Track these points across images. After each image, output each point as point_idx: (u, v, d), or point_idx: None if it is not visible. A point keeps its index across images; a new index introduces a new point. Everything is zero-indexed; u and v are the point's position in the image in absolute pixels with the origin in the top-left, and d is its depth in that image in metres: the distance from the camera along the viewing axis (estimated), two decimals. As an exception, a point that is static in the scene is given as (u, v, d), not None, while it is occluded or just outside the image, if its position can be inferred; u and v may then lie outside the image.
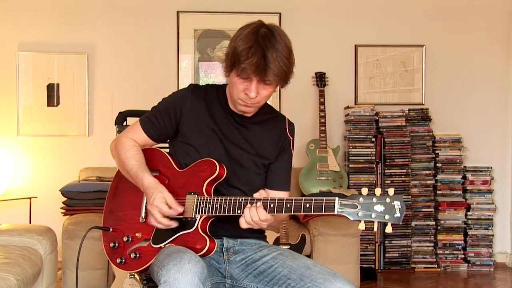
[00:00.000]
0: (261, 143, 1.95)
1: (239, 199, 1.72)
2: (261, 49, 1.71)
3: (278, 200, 1.66)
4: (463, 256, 4.47)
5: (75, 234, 3.44)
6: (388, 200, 1.50)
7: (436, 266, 4.43)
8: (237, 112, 1.93)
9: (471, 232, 4.48)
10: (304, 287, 1.66)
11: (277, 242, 3.45)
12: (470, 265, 4.45)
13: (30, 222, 4.13)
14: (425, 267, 4.43)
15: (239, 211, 1.71)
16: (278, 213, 1.66)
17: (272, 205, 1.66)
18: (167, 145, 2.07)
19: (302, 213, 1.62)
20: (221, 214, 1.74)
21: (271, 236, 3.44)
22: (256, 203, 1.68)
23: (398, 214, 1.49)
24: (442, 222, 4.46)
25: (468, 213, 4.48)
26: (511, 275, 4.38)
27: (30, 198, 4.19)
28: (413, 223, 4.42)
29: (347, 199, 1.54)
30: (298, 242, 3.52)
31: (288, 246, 3.42)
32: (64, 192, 3.73)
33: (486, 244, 4.47)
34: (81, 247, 1.93)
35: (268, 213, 1.67)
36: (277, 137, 1.98)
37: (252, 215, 1.67)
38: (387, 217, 1.50)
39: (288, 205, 1.64)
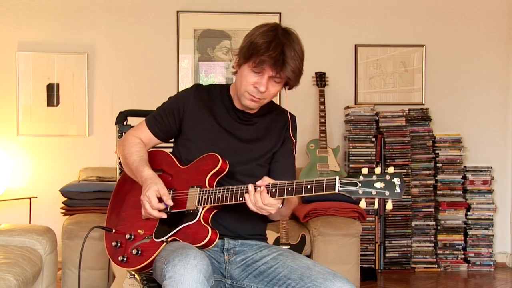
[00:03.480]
0: (264, 137, 1.98)
1: (241, 187, 1.73)
2: (281, 45, 1.76)
3: (279, 184, 1.67)
4: (463, 256, 4.47)
5: (75, 234, 3.44)
6: (388, 177, 1.52)
7: (436, 266, 4.43)
8: (240, 109, 1.96)
9: (471, 232, 4.48)
10: (304, 287, 1.66)
11: (277, 242, 3.45)
12: (470, 265, 4.45)
13: (30, 222, 4.13)
14: (425, 267, 4.43)
15: (241, 199, 1.72)
16: (280, 196, 1.66)
17: (274, 190, 1.67)
18: (170, 145, 2.09)
19: (303, 194, 1.63)
20: (224, 203, 1.75)
21: (271, 236, 3.44)
22: (257, 189, 1.69)
23: (398, 190, 1.50)
24: (442, 222, 4.46)
25: (468, 213, 4.48)
26: (511, 275, 4.38)
27: (30, 198, 4.19)
28: (413, 223, 4.42)
29: (348, 178, 1.56)
30: (298, 242, 3.51)
31: (288, 246, 3.42)
32: (64, 192, 3.73)
33: (486, 244, 4.47)
34: (82, 254, 1.93)
35: (271, 197, 1.67)
36: (280, 129, 2.01)
37: (256, 200, 1.68)
38: (387, 193, 1.51)
39: (290, 188, 1.64)
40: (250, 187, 1.70)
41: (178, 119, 1.96)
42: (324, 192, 1.59)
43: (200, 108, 1.96)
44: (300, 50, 1.82)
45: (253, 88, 1.83)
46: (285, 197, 1.66)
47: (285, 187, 1.65)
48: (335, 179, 1.56)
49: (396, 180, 1.51)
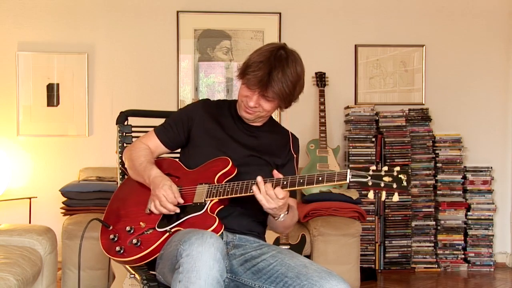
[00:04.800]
0: (269, 148, 2.04)
1: (251, 181, 1.78)
2: (269, 66, 1.84)
3: (291, 177, 1.73)
4: (463, 256, 4.48)
5: (75, 234, 3.45)
6: (395, 173, 1.64)
7: (436, 266, 4.43)
8: (245, 121, 2.04)
9: (471, 232, 4.48)
10: (300, 285, 1.69)
11: (277, 242, 3.45)
12: (470, 265, 4.45)
13: (30, 222, 4.13)
14: (425, 267, 4.43)
15: (251, 191, 1.77)
16: (291, 187, 1.72)
17: (285, 183, 1.73)
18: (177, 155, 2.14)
19: (314, 185, 1.70)
20: (233, 195, 1.80)
21: (271, 236, 3.43)
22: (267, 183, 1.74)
23: (405, 184, 1.63)
24: (442, 222, 4.46)
25: (468, 213, 4.48)
26: (511, 275, 4.38)
27: (30, 198, 4.19)
28: (413, 223, 4.42)
29: (358, 171, 1.67)
30: (298, 242, 3.51)
31: (288, 246, 3.42)
32: (64, 192, 3.73)
33: (486, 244, 4.47)
34: (82, 243, 1.93)
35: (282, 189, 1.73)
36: (282, 148, 2.07)
37: (267, 188, 1.73)
38: (395, 185, 1.63)
39: (301, 180, 1.71)
40: (260, 178, 1.75)
41: (186, 128, 2.04)
42: (335, 182, 1.67)
43: (208, 119, 2.04)
44: (293, 74, 1.86)
45: (246, 100, 1.93)
46: (296, 188, 1.72)
47: (297, 179, 1.72)
48: (347, 171, 1.65)
49: (403, 176, 1.63)
